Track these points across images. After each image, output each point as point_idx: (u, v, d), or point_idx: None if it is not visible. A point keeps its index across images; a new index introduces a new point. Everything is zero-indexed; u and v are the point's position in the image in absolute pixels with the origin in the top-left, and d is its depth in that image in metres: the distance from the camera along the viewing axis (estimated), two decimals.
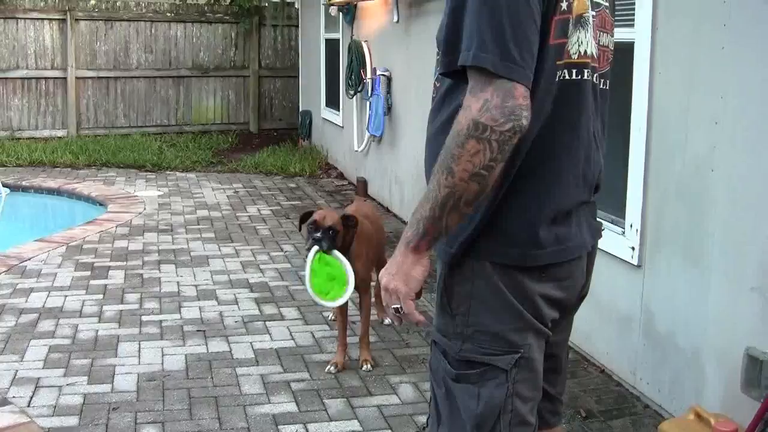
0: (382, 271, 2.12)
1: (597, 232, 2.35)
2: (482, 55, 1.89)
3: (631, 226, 4.33)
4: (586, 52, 2.11)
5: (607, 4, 2.27)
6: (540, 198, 2.10)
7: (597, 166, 2.25)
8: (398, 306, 2.09)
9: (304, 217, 4.59)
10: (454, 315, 2.16)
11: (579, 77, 2.11)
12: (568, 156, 2.12)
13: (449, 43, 2.02)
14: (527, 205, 2.09)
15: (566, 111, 2.09)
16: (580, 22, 2.08)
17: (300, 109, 13.47)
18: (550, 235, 2.11)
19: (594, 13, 2.16)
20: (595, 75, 2.18)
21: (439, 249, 2.18)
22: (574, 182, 2.16)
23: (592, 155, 2.21)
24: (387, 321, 5.31)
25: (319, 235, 4.39)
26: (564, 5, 2.02)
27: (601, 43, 2.23)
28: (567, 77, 2.08)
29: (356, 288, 4.46)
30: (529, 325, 2.13)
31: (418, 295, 2.10)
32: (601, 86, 2.25)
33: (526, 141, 2.02)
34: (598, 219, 2.38)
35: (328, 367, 4.68)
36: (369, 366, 4.69)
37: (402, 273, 2.06)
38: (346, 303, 4.60)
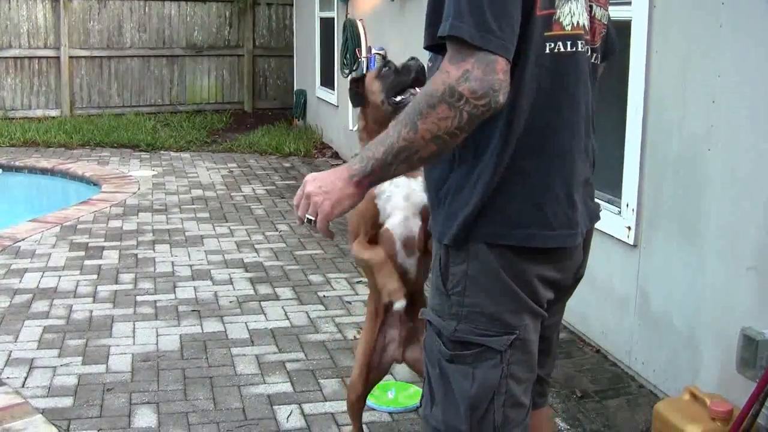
0: (311, 176, 2.09)
1: (594, 215, 2.32)
2: (459, 24, 1.87)
3: (627, 205, 4.31)
4: (578, 23, 2.08)
5: None
6: (549, 176, 2.07)
7: (593, 140, 2.24)
8: (312, 219, 2.07)
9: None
10: (450, 295, 2.14)
11: (573, 49, 2.07)
12: (571, 131, 2.10)
13: (431, 15, 2.01)
14: (535, 185, 2.06)
15: (564, 84, 2.07)
16: None
17: (295, 89, 13.42)
18: (561, 217, 2.09)
19: None
20: (588, 48, 2.15)
21: (435, 228, 2.16)
22: (579, 158, 2.14)
23: (590, 129, 2.19)
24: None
25: (409, 58, 3.20)
26: None
27: (596, 17, 2.20)
28: (561, 49, 2.04)
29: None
30: (525, 306, 2.11)
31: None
32: (593, 60, 2.21)
33: (520, 117, 2.00)
34: (596, 200, 2.37)
35: None
36: None
37: (334, 195, 2.03)
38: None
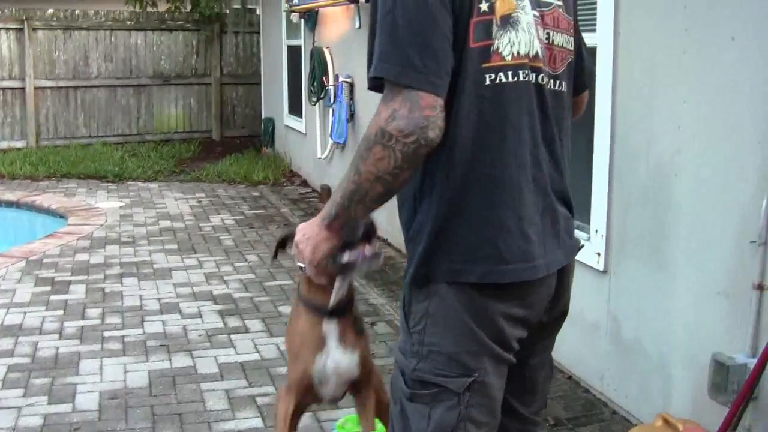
0: (300, 226, 2.24)
1: (572, 251, 2.29)
2: (383, 65, 1.93)
3: (596, 231, 4.31)
4: (519, 52, 2.04)
5: (560, 3, 2.22)
6: (498, 209, 2.04)
7: (551, 171, 2.17)
8: (302, 266, 2.26)
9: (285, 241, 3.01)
10: (412, 333, 2.13)
11: (515, 79, 2.04)
12: (517, 162, 2.06)
13: (369, 59, 2.05)
14: (484, 219, 2.04)
15: (508, 115, 2.03)
16: (509, 22, 2.03)
17: (263, 117, 13.40)
18: (515, 251, 2.05)
19: (536, 13, 2.11)
20: (540, 76, 2.11)
21: (406, 269, 2.15)
22: (528, 188, 2.09)
23: (541, 158, 2.13)
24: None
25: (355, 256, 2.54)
26: (484, 6, 1.99)
27: (555, 43, 2.17)
28: (503, 79, 2.02)
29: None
30: (485, 348, 2.08)
31: (331, 257, 2.23)
32: (555, 87, 2.17)
33: (461, 149, 2.00)
34: (575, 236, 2.33)
35: None
36: None
37: (313, 241, 2.16)
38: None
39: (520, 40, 2.05)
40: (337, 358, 2.96)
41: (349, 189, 1.98)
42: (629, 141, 4.07)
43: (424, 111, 1.87)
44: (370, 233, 2.53)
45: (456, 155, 2.00)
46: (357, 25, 8.27)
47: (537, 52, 2.09)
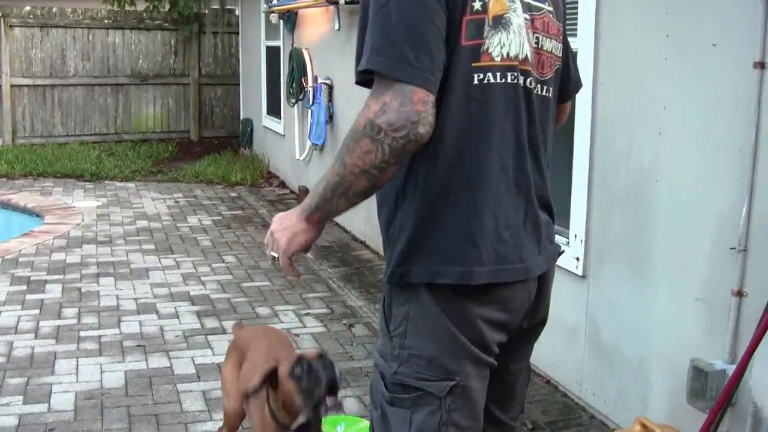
0: (277, 216, 2.16)
1: (552, 256, 2.28)
2: (375, 58, 1.90)
3: (575, 236, 4.32)
4: (509, 54, 2.04)
5: (550, 9, 2.21)
6: (480, 210, 2.03)
7: (534, 176, 2.16)
8: (276, 256, 2.13)
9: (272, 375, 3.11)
10: (392, 336, 2.12)
11: (503, 81, 2.03)
12: (498, 162, 2.05)
13: (358, 53, 2.02)
14: (467, 219, 2.03)
15: (494, 116, 2.03)
16: (501, 23, 2.02)
17: (241, 118, 13.36)
18: (491, 252, 2.04)
19: (527, 16, 2.10)
20: (528, 80, 2.10)
21: (385, 270, 2.14)
22: (508, 191, 2.08)
23: (525, 163, 2.12)
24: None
25: (323, 363, 3.02)
26: (477, 5, 1.98)
27: (543, 48, 2.17)
28: (491, 80, 2.01)
29: None
30: (466, 351, 2.07)
31: (306, 250, 2.14)
32: (542, 93, 2.17)
33: (445, 148, 1.99)
34: (555, 242, 2.33)
35: None
36: None
37: (290, 231, 2.08)
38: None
39: (510, 41, 2.04)
40: None
41: (332, 181, 1.95)
42: (609, 146, 4.08)
43: (416, 105, 1.86)
44: (333, 387, 2.94)
45: (440, 154, 1.99)
46: (336, 26, 8.25)
47: (526, 55, 2.09)
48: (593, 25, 4.12)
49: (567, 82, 2.35)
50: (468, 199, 2.02)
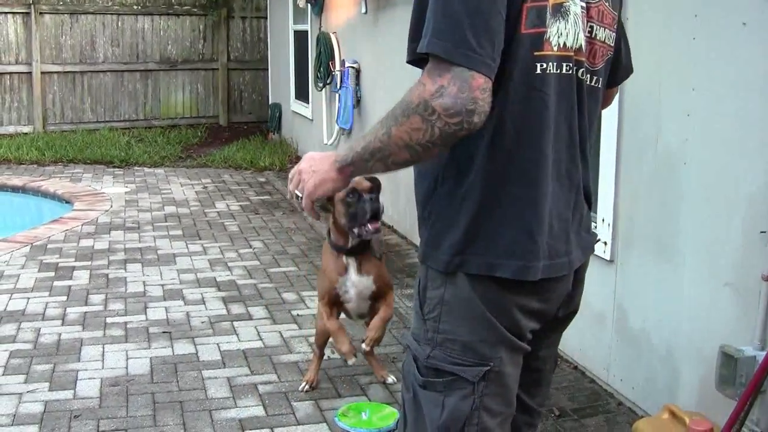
0: (309, 154, 2.16)
1: (590, 246, 2.25)
2: (436, 41, 1.83)
3: (603, 220, 4.26)
4: (566, 44, 1.99)
5: None
6: (539, 203, 1.99)
7: (583, 168, 2.14)
8: (300, 195, 2.15)
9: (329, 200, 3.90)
10: (426, 320, 2.09)
11: (558, 71, 1.99)
12: (554, 155, 2.02)
13: (413, 31, 1.96)
14: (524, 212, 1.99)
15: (549, 106, 1.98)
16: (560, 11, 1.97)
17: (269, 102, 13.34)
18: (545, 246, 2.02)
19: (584, 4, 2.05)
20: (581, 70, 2.06)
21: (420, 245, 2.11)
22: (561, 184, 2.05)
23: (576, 154, 2.10)
24: (390, 380, 4.47)
25: (371, 197, 3.86)
26: None
27: (597, 38, 2.11)
28: (549, 70, 1.96)
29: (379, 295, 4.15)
30: (501, 338, 2.04)
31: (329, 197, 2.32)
32: (592, 84, 2.13)
33: (505, 137, 1.94)
34: (592, 231, 2.29)
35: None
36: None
37: (319, 177, 2.07)
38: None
39: (568, 31, 1.99)
40: (354, 280, 4.04)
41: (373, 146, 1.91)
42: (637, 129, 4.01)
43: (474, 92, 1.79)
44: (375, 215, 3.83)
45: (497, 144, 1.94)
46: (363, 10, 8.19)
47: (581, 45, 2.04)
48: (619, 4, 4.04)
49: (617, 68, 2.31)
50: (527, 191, 1.98)
